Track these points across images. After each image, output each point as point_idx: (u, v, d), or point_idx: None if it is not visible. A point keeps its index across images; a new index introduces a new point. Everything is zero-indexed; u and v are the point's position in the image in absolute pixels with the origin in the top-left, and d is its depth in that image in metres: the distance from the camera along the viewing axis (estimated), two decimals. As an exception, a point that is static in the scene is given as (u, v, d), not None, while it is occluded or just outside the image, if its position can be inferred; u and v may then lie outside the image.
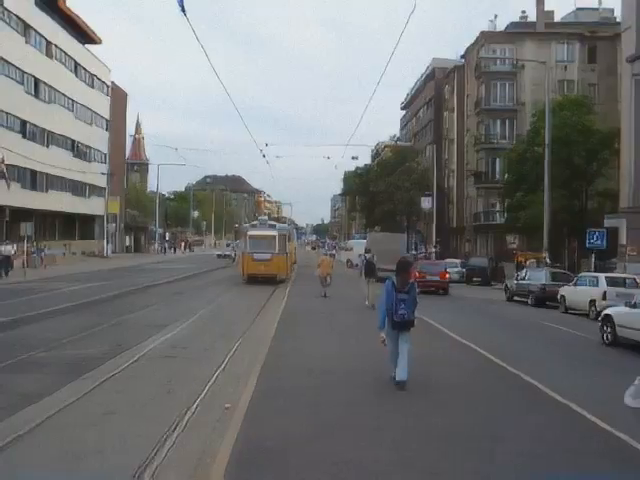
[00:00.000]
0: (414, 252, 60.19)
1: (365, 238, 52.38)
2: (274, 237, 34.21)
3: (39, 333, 15.45)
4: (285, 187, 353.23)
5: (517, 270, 38.82)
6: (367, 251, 27.45)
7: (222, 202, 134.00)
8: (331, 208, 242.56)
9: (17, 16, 48.00)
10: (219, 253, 71.09)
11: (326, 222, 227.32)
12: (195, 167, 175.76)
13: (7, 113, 47.06)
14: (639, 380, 3.61)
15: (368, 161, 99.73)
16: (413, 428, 7.80)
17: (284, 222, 55.73)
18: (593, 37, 56.12)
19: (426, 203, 59.46)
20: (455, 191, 68.18)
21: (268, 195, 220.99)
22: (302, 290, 30.08)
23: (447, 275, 34.30)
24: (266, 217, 41.04)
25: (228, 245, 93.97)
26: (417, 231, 73.21)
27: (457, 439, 7.35)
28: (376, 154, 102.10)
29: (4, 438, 7.11)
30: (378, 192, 71.81)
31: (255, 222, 37.75)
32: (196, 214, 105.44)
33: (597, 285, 24.24)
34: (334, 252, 72.52)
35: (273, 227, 35.99)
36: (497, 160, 57.18)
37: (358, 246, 45.26)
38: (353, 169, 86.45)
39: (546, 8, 60.20)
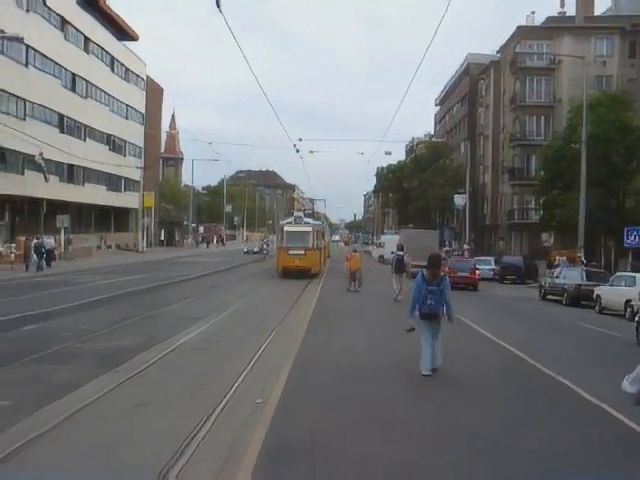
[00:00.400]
0: (446, 248, 59.94)
1: (398, 234, 52.30)
2: (308, 233, 35.78)
3: (73, 325, 15.67)
4: (318, 183, 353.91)
5: (548, 268, 38.41)
6: (399, 248, 27.75)
7: (255, 197, 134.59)
8: (364, 204, 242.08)
9: (57, 13, 48.79)
10: (246, 250, 68.31)
11: (359, 218, 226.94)
12: (228, 162, 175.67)
13: (45, 107, 47.84)
14: None
15: (402, 157, 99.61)
16: (441, 424, 7.79)
17: (318, 218, 56.76)
18: (634, 31, 55.10)
19: (459, 200, 59.04)
20: (489, 188, 67.57)
21: (301, 191, 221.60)
22: (334, 284, 30.35)
23: (477, 273, 34.70)
24: (301, 213, 42.73)
25: (264, 242, 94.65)
26: (450, 228, 72.78)
27: (483, 436, 7.30)
28: (410, 150, 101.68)
29: (40, 427, 7.23)
30: (411, 189, 71.63)
31: (290, 219, 39.04)
32: (229, 209, 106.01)
33: (634, 285, 23.85)
34: (361, 248, 72.00)
35: (308, 223, 37.43)
36: (532, 157, 56.55)
37: (390, 242, 45.25)
38: (386, 165, 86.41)
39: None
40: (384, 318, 18.93)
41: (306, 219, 39.21)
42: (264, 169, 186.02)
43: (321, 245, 38.74)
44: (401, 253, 26.24)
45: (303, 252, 35.18)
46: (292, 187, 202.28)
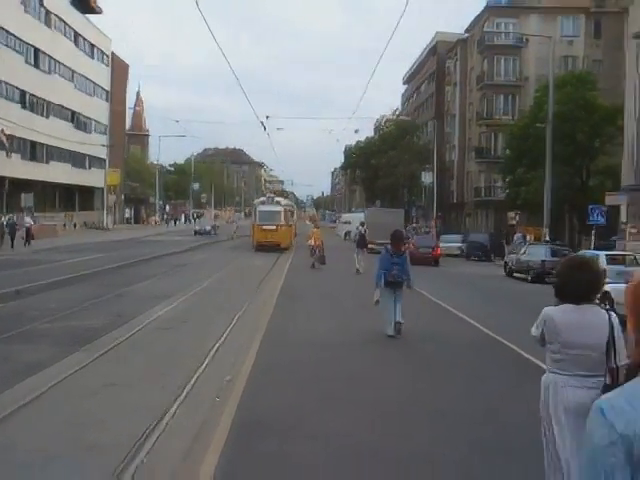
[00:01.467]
0: (413, 225, 60.30)
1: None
2: (279, 212, 40.77)
3: (42, 304, 15.59)
4: (286, 160, 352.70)
5: (507, 245, 39.34)
6: (361, 224, 30.93)
7: (223, 175, 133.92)
8: (331, 181, 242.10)
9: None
10: (198, 228, 62.03)
11: (327, 195, 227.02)
12: (196, 139, 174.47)
13: (6, 83, 46.87)
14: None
15: (370, 135, 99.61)
16: (410, 400, 7.92)
17: (287, 197, 62.40)
18: (599, 12, 55.57)
19: (427, 177, 59.42)
20: (456, 166, 68.09)
21: (269, 168, 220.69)
22: (303, 261, 31.03)
23: (439, 250, 37.28)
24: (273, 195, 48.80)
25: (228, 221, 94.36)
26: (418, 206, 73.26)
27: (454, 413, 7.45)
28: (378, 128, 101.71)
29: (7, 407, 7.21)
30: (379, 166, 71.81)
31: (263, 198, 44.88)
32: (197, 186, 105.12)
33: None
34: (329, 225, 72.85)
35: (279, 203, 42.66)
36: (499, 136, 57.01)
37: (356, 220, 45.79)
38: (355, 143, 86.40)
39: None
40: (349, 290, 19.75)
41: (277, 198, 44.36)
42: (232, 147, 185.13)
43: (290, 222, 43.80)
44: (362, 229, 29.93)
45: (275, 228, 39.87)
46: (260, 165, 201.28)
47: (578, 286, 3.93)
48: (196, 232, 59.15)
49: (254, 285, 21.22)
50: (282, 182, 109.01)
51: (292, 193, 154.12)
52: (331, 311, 16.16)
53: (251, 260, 33.14)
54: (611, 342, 3.86)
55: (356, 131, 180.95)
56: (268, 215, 40.17)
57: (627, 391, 1.69)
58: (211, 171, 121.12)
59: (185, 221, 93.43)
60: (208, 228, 61.03)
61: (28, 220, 38.57)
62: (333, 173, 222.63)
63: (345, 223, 65.15)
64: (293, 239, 46.08)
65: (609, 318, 3.96)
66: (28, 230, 37.21)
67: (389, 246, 12.40)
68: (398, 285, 12.26)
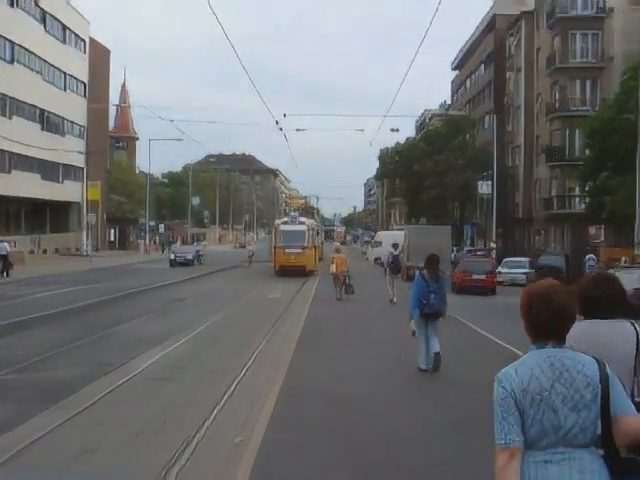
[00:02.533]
0: (468, 248, 59.95)
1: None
2: (304, 232, 45.44)
3: (7, 350, 15.66)
4: (308, 168, 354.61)
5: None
6: (394, 246, 31.94)
7: (229, 187, 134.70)
8: (365, 195, 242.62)
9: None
10: (173, 257, 57.50)
11: (359, 211, 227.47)
12: (195, 144, 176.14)
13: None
14: None
15: (412, 134, 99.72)
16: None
17: (312, 214, 68.04)
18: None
19: (484, 187, 59.12)
20: (522, 172, 67.76)
21: (286, 178, 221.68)
22: (330, 288, 31.39)
23: (495, 275, 38.21)
24: (297, 213, 53.73)
25: (238, 243, 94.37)
26: (473, 223, 72.97)
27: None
28: (421, 126, 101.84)
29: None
30: (424, 173, 71.73)
31: (286, 218, 50.20)
32: (196, 201, 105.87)
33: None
34: (361, 248, 73.44)
35: (303, 223, 47.26)
36: (576, 132, 56.68)
37: (390, 240, 46.54)
38: (393, 145, 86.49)
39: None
40: (382, 330, 19.79)
41: (301, 218, 49.43)
42: (240, 153, 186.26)
43: (317, 243, 49.42)
44: (395, 252, 30.69)
45: (300, 250, 44.47)
46: (275, 173, 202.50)
47: (601, 302, 4.53)
48: (172, 262, 55.60)
49: (270, 323, 21.21)
50: (305, 198, 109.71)
51: (316, 209, 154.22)
52: (361, 352, 16.10)
53: (269, 290, 34.13)
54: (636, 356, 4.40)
55: (394, 130, 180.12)
56: (292, 236, 44.65)
57: (517, 362, 3.55)
58: (214, 182, 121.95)
59: (181, 245, 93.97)
60: (189, 256, 57.71)
61: (4, 246, 38.97)
62: (366, 184, 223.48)
63: (375, 245, 65.16)
64: (319, 263, 49.39)
65: (636, 332, 4.45)
66: (5, 258, 37.63)
67: (424, 271, 13.64)
68: (435, 315, 13.44)
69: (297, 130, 53.31)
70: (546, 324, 3.76)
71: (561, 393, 3.58)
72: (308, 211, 67.10)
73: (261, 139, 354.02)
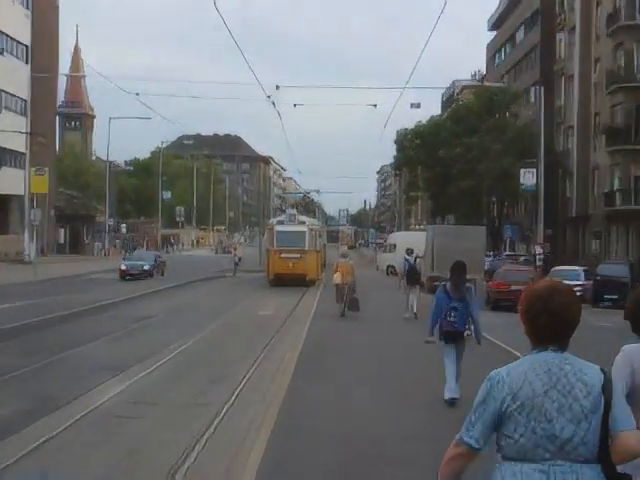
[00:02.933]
0: (506, 253, 59.82)
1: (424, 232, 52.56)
2: (304, 233, 47.05)
3: None
4: (307, 154, 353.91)
5: None
6: (408, 252, 31.83)
7: (209, 176, 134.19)
8: (378, 187, 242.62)
9: None
10: (125, 268, 53.93)
11: (372, 206, 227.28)
12: (167, 123, 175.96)
13: None
14: None
15: (437, 112, 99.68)
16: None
17: (312, 211, 71.81)
18: None
19: (528, 178, 58.96)
20: (575, 159, 67.63)
21: (280, 166, 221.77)
22: (334, 302, 31.56)
23: None
24: (295, 211, 55.37)
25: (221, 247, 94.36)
26: (514, 223, 72.90)
27: None
28: (449, 101, 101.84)
29: None
30: (452, 160, 71.67)
31: (282, 216, 52.30)
32: (168, 195, 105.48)
33: None
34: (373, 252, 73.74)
35: (303, 222, 49.01)
36: (644, 108, 56.67)
37: (406, 243, 46.41)
38: (413, 125, 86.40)
39: None
40: (395, 354, 19.99)
41: (300, 217, 51.36)
42: (223, 134, 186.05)
43: (319, 247, 51.21)
44: (411, 258, 31.04)
45: (299, 255, 45.99)
46: (266, 160, 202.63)
47: None
48: (124, 274, 52.87)
49: (259, 347, 21.17)
50: (307, 194, 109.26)
51: (318, 205, 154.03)
52: (370, 383, 16.00)
53: (259, 305, 34.64)
54: None
55: (415, 106, 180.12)
56: (289, 238, 46.42)
57: (512, 364, 3.88)
58: (190, 171, 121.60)
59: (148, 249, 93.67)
60: (147, 266, 54.84)
61: None
62: (380, 175, 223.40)
63: (388, 250, 64.75)
64: (322, 270, 51.81)
65: None
66: None
67: (448, 283, 13.94)
68: (457, 337, 13.75)
69: (294, 106, 53.19)
70: (546, 327, 4.03)
71: (557, 401, 3.84)
72: (308, 208, 69.52)
73: (250, 118, 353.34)
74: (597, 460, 3.94)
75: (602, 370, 4.06)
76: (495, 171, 66.82)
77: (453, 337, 13.65)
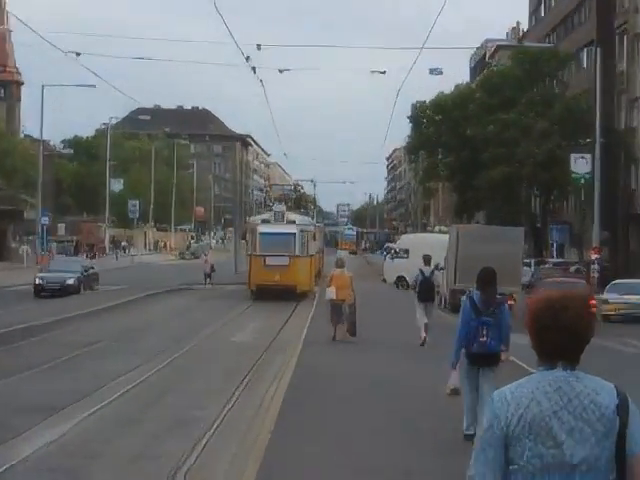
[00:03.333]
0: (534, 261, 59.71)
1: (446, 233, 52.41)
2: (293, 235, 48.48)
3: None
4: (296, 134, 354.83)
5: None
6: (426, 260, 31.58)
7: (171, 160, 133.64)
8: (387, 175, 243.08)
9: None
10: (40, 281, 51.92)
11: (380, 201, 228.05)
12: (117, 94, 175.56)
13: None
14: None
15: (463, 79, 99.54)
16: None
17: (305, 207, 74.26)
18: None
19: (581, 164, 58.79)
20: (641, 140, 67.53)
21: (264, 152, 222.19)
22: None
23: (593, 302, 35.46)
24: (283, 207, 55.51)
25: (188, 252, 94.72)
26: (562, 222, 72.80)
27: None
28: (479, 66, 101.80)
29: None
30: (483, 141, 71.54)
31: (267, 214, 53.91)
32: (119, 185, 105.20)
33: None
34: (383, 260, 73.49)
35: (292, 221, 50.35)
36: None
37: (420, 248, 46.15)
38: (432, 97, 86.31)
39: None
40: (408, 390, 19.66)
41: (290, 214, 52.81)
42: (189, 107, 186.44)
43: (313, 251, 53.48)
44: (428, 269, 30.76)
45: (286, 261, 47.26)
46: (245, 141, 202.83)
47: None
48: (39, 290, 51.55)
49: (230, 386, 21.01)
50: (298, 185, 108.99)
51: (311, 199, 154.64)
52: (378, 449, 15.68)
53: (234, 327, 34.98)
54: None
55: (435, 72, 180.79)
56: (276, 240, 48.17)
57: (516, 383, 4.19)
58: (147, 155, 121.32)
59: (94, 256, 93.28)
60: (71, 280, 52.75)
61: None
62: (390, 161, 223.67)
63: (398, 255, 64.15)
64: (316, 280, 51.92)
65: None
66: None
67: (475, 293, 14.10)
68: (489, 360, 13.90)
69: (279, 72, 52.92)
70: (555, 343, 4.37)
71: (567, 422, 4.16)
72: (299, 203, 69.99)
73: (224, 87, 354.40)
74: None
75: (617, 389, 4.38)
76: (538, 156, 66.37)
77: (483, 360, 13.76)
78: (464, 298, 14.31)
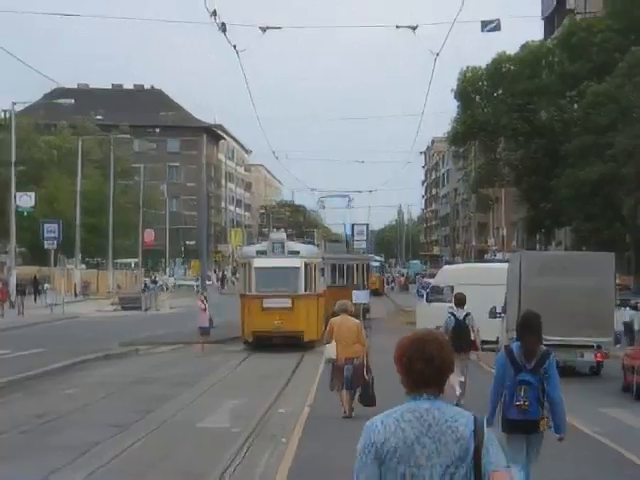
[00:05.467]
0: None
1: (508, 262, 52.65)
2: (297, 270, 53.98)
3: None
4: (287, 119, 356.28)
5: None
6: (457, 300, 34.32)
7: (109, 162, 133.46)
8: (425, 179, 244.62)
9: None
10: None
11: (417, 219, 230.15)
12: (25, 68, 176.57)
13: None
14: None
15: (530, 35, 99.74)
16: None
17: (305, 228, 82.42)
18: None
19: None
20: None
21: (243, 147, 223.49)
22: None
23: None
24: (282, 234, 60.97)
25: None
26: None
27: None
28: (556, 14, 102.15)
29: None
30: (563, 125, 71.63)
31: (264, 244, 59.53)
32: (28, 201, 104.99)
33: None
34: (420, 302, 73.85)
35: (295, 252, 55.58)
36: None
37: (470, 279, 46.33)
38: (488, 62, 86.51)
39: None
40: None
41: (291, 243, 58.05)
42: (132, 86, 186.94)
43: (319, 289, 58.15)
44: (461, 312, 33.35)
45: (289, 303, 52.71)
46: (214, 133, 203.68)
47: None
48: None
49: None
50: (300, 209, 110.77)
51: (315, 215, 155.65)
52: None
53: (208, 402, 35.12)
54: None
55: (488, 27, 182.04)
56: (275, 277, 53.78)
57: (386, 412, 7.10)
58: (72, 153, 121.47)
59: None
60: None
61: None
62: (428, 154, 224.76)
63: (433, 296, 63.92)
64: (322, 324, 51.53)
65: None
66: None
67: (515, 345, 15.75)
68: (531, 428, 15.32)
69: (262, 31, 53.05)
70: (420, 374, 6.73)
71: (427, 447, 6.46)
72: (301, 227, 78.90)
73: (182, 58, 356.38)
74: None
75: (474, 417, 6.75)
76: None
77: (522, 428, 15.05)
78: (500, 351, 16.43)
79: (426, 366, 6.48)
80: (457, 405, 28.30)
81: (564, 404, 15.34)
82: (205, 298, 62.41)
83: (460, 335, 31.68)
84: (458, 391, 30.67)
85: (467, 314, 33.23)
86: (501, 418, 14.99)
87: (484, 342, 32.25)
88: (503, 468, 6.23)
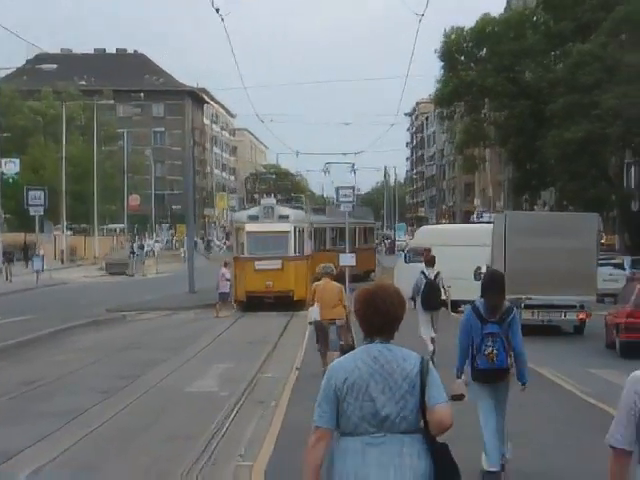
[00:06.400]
0: (631, 261, 60.02)
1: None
2: (288, 233, 57.86)
3: None
4: (271, 82, 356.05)
5: None
6: (428, 261, 35.77)
7: (91, 128, 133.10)
8: (411, 141, 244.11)
9: None
10: None
11: (403, 180, 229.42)
12: (5, 32, 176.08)
13: None
14: None
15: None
16: None
17: (293, 192, 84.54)
18: None
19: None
20: None
21: (228, 112, 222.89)
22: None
23: None
24: (272, 200, 64.15)
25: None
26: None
27: None
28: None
29: None
30: (548, 85, 71.62)
31: (255, 209, 62.48)
32: (12, 168, 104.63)
33: None
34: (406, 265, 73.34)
35: (285, 217, 59.62)
36: None
37: (450, 240, 46.78)
38: (474, 23, 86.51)
39: None
40: None
41: (281, 208, 61.92)
42: (114, 50, 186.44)
43: (307, 252, 61.83)
44: (431, 272, 34.94)
45: (280, 264, 56.21)
46: (197, 96, 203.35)
47: None
48: None
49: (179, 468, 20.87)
50: (291, 175, 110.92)
51: (299, 178, 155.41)
52: None
53: (194, 368, 35.38)
54: None
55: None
56: (267, 240, 57.58)
57: (345, 355, 8.97)
58: (55, 120, 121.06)
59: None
60: None
61: None
62: (413, 116, 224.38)
63: (411, 257, 63.52)
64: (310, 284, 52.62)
65: None
66: None
67: (479, 301, 16.57)
68: (498, 376, 16.45)
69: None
70: (372, 321, 8.06)
71: (380, 383, 7.76)
72: (289, 192, 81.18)
73: (164, 21, 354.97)
74: (418, 432, 7.96)
75: (421, 357, 8.11)
76: (634, 108, 66.08)
77: (492, 377, 16.19)
78: (467, 308, 17.00)
79: (377, 316, 7.83)
80: (430, 360, 29.20)
81: (526, 355, 16.48)
82: (226, 264, 63.42)
83: (431, 294, 33.91)
84: (430, 347, 32.20)
85: (437, 273, 34.78)
86: (471, 369, 16.02)
87: (466, 302, 32.49)
88: (443, 402, 7.80)
